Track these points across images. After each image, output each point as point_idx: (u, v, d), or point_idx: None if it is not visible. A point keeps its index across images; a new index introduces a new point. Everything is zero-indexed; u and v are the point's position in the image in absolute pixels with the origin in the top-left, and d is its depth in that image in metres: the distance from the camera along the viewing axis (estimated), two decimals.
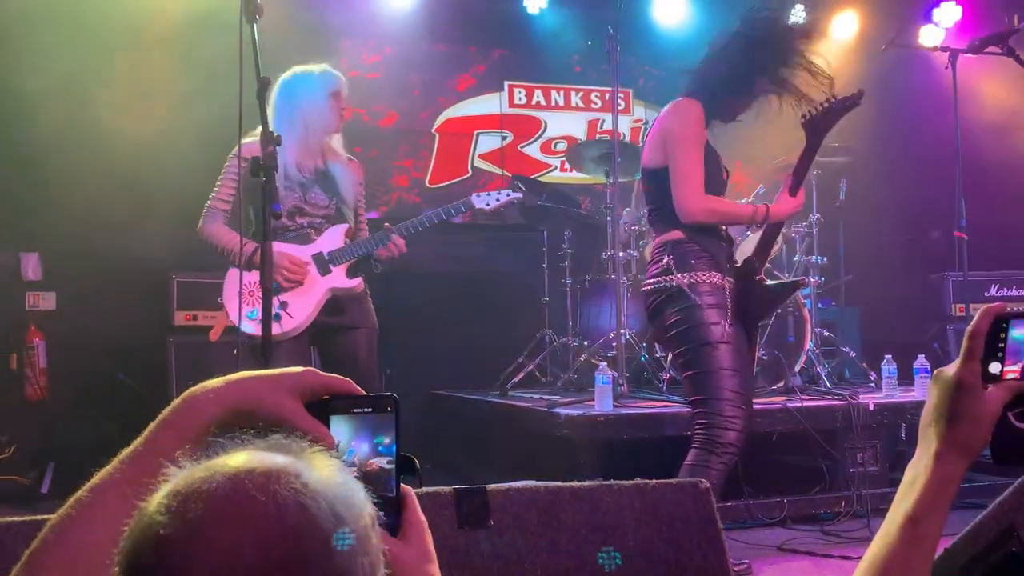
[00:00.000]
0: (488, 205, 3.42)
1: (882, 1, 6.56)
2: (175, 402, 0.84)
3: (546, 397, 4.67)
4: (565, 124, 6.77)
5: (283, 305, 3.09)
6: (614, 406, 3.99)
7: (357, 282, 3.22)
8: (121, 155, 4.84)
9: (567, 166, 6.34)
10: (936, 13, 6.53)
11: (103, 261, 4.91)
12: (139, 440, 0.82)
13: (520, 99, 6.72)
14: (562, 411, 3.93)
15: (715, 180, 2.95)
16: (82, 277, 4.98)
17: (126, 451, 0.82)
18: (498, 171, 6.58)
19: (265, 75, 2.30)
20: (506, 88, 6.66)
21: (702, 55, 3.05)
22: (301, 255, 3.15)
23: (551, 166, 6.72)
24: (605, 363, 4.13)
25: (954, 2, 6.46)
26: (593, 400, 4.03)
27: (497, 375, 5.26)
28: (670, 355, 3.19)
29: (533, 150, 6.74)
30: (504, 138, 6.63)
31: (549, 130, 6.75)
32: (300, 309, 3.13)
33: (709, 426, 2.78)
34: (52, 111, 4.79)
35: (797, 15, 6.68)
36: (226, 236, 3.14)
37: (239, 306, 2.91)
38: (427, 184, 6.47)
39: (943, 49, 4.64)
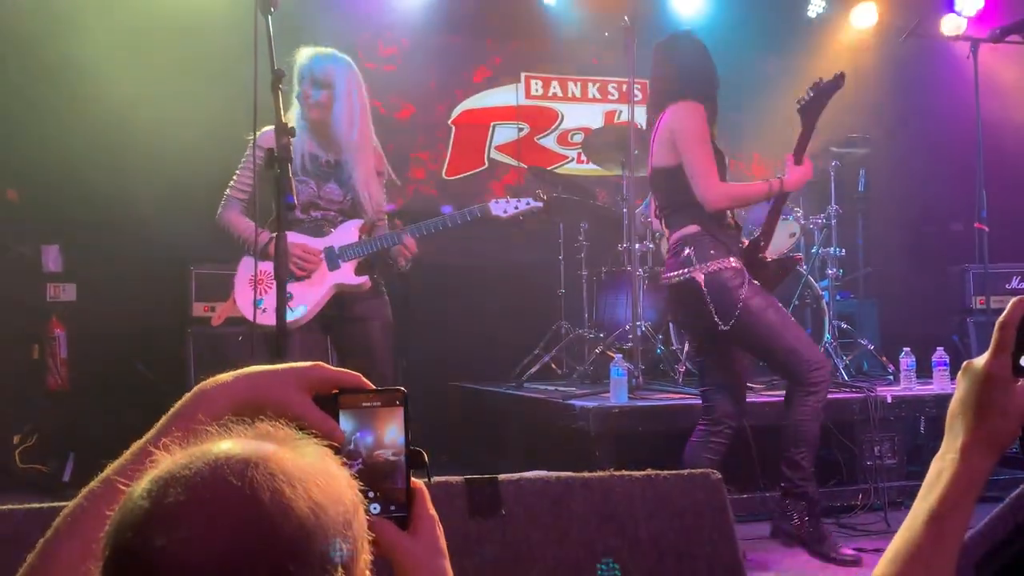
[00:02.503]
0: (505, 212, 3.38)
1: None
2: (186, 396, 0.85)
3: (562, 389, 4.68)
4: (582, 115, 6.75)
5: (288, 297, 3.10)
6: (629, 398, 3.99)
7: (363, 280, 3.20)
8: (140, 148, 4.88)
9: (583, 158, 6.32)
10: (958, 2, 6.44)
11: (122, 253, 4.96)
12: (151, 433, 0.84)
13: (537, 90, 6.70)
14: (577, 403, 3.93)
15: (722, 172, 3.23)
16: (102, 269, 5.03)
17: (138, 443, 0.84)
18: (514, 163, 6.57)
19: (279, 67, 2.31)
20: (523, 79, 6.64)
21: (666, 60, 3.35)
22: (314, 246, 3.17)
23: (568, 158, 6.71)
24: (620, 355, 4.12)
25: None
26: (608, 392, 4.03)
27: (513, 367, 5.27)
28: (691, 341, 3.44)
29: (550, 142, 6.73)
30: (520, 130, 6.62)
31: (566, 121, 6.73)
32: (304, 302, 3.13)
33: (799, 374, 3.10)
34: (71, 106, 4.84)
35: (817, 6, 6.64)
36: (241, 224, 3.16)
37: (253, 296, 2.94)
38: (443, 176, 6.47)
39: (964, 39, 4.60)
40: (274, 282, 3.01)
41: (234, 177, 3.23)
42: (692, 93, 3.19)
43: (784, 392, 3.28)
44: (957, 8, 6.44)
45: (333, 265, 3.17)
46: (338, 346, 3.30)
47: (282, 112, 2.29)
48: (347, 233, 3.19)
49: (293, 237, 3.03)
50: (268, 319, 3.00)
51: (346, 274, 3.16)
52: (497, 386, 5.14)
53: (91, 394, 4.91)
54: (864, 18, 6.62)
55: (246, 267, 3.17)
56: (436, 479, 1.52)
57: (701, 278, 3.09)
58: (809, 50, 6.53)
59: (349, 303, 3.20)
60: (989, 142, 4.84)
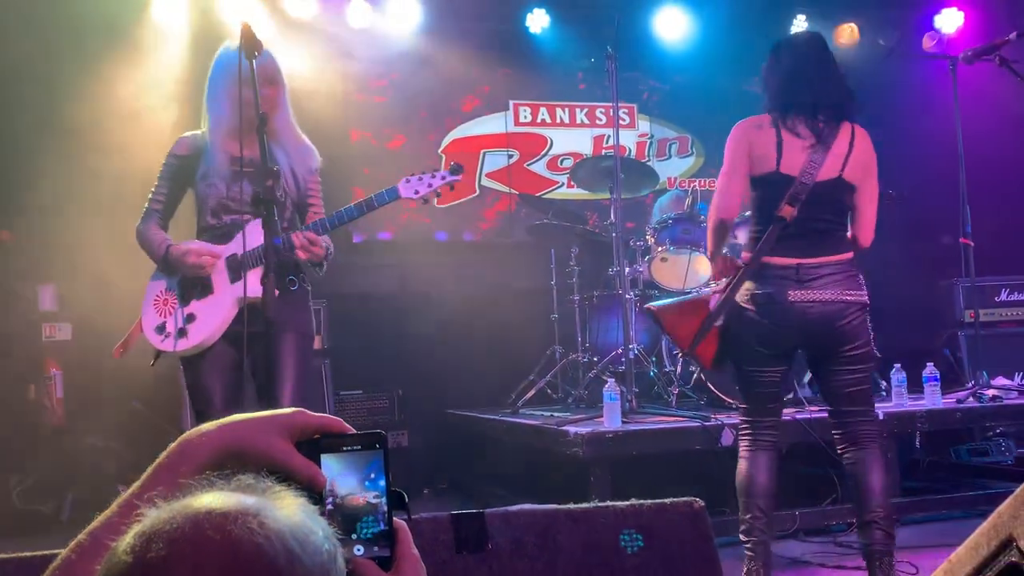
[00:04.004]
0: (418, 192, 2.96)
1: (884, 8, 6.58)
2: (171, 446, 0.87)
3: (557, 414, 4.69)
4: (571, 141, 6.82)
5: (189, 318, 2.86)
6: (623, 422, 4.00)
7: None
8: (132, 188, 4.91)
9: (573, 182, 6.38)
10: (938, 20, 6.54)
11: (117, 291, 4.98)
12: (136, 484, 0.85)
13: (525, 117, 6.77)
14: (571, 429, 3.94)
15: None
16: (97, 307, 5.05)
17: (124, 495, 0.85)
18: (505, 189, 6.63)
19: (264, 110, 2.35)
20: (511, 107, 6.72)
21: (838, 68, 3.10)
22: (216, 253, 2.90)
23: (558, 183, 6.77)
24: (613, 379, 4.14)
25: (955, 8, 6.48)
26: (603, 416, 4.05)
27: (509, 392, 5.29)
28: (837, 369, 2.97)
29: (540, 167, 6.79)
30: (510, 156, 6.68)
31: (555, 147, 6.80)
32: (207, 323, 2.85)
33: (879, 430, 3.04)
34: (66, 149, 4.90)
35: (799, 25, 6.73)
36: (154, 238, 2.95)
37: (156, 320, 2.77)
38: (435, 204, 6.52)
39: (943, 56, 4.66)
40: (176, 304, 2.87)
41: (152, 188, 3.04)
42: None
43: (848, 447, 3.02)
44: (937, 26, 6.54)
45: (235, 276, 2.83)
46: (253, 364, 2.85)
47: (266, 149, 2.32)
48: (253, 236, 2.76)
49: (199, 246, 2.87)
50: (170, 345, 2.85)
51: (250, 285, 2.75)
52: (493, 413, 5.15)
53: (88, 433, 4.92)
54: (846, 37, 6.70)
55: (152, 289, 2.96)
56: (423, 515, 1.54)
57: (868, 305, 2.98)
58: None
59: (262, 314, 2.69)
60: (975, 156, 4.90)
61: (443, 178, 2.94)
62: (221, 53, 2.90)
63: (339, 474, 0.88)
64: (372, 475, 0.88)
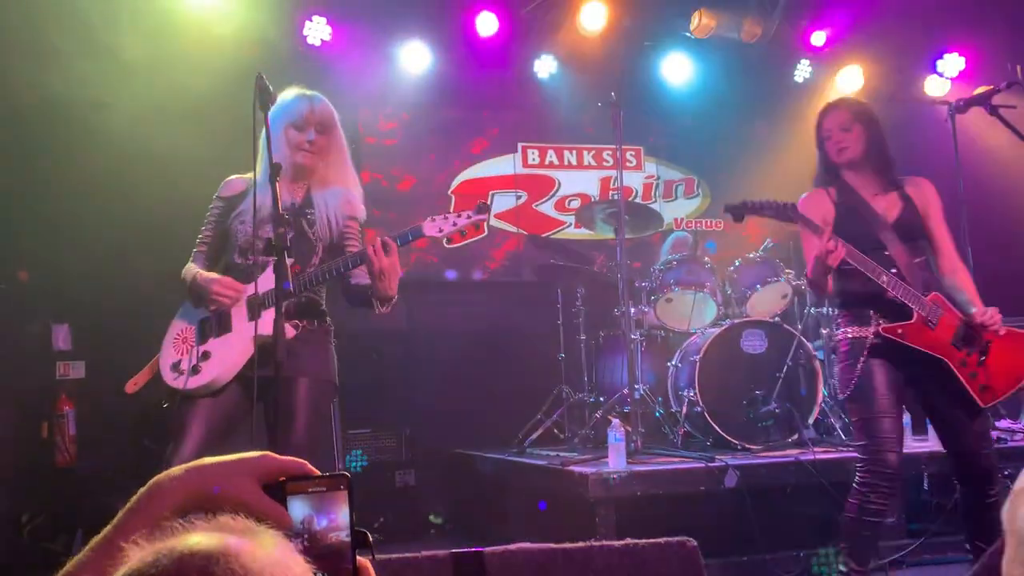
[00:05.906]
0: (441, 231, 3.02)
1: (886, 54, 6.68)
2: (141, 490, 0.91)
3: (563, 454, 4.71)
4: (578, 182, 6.92)
5: (204, 356, 2.85)
6: (628, 463, 4.03)
7: (285, 329, 2.65)
8: (147, 229, 5.02)
9: (580, 223, 6.46)
10: (940, 64, 6.64)
11: (130, 330, 5.05)
12: (108, 528, 0.90)
13: (533, 159, 6.88)
14: (576, 469, 3.97)
15: (862, 236, 3.20)
16: (110, 346, 5.12)
17: (96, 539, 0.89)
18: (514, 229, 6.72)
19: (277, 161, 2.43)
20: (519, 149, 6.83)
21: None
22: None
23: (566, 223, 6.85)
24: (617, 420, 4.17)
25: (957, 53, 6.58)
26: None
27: (516, 432, 5.31)
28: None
29: (547, 208, 6.88)
30: (519, 197, 6.78)
31: (563, 188, 6.90)
32: (221, 361, 2.83)
33: (858, 465, 3.21)
34: (81, 186, 5.00)
35: (803, 71, 6.85)
36: (186, 271, 3.01)
37: (173, 357, 2.80)
38: (444, 244, 6.59)
39: (942, 102, 4.75)
40: (194, 341, 2.90)
41: (200, 230, 3.14)
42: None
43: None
44: (939, 70, 6.64)
45: (253, 314, 2.79)
46: (265, 411, 2.81)
47: (278, 197, 2.40)
48: (271, 277, 2.69)
49: (229, 281, 2.90)
50: (182, 383, 2.86)
51: (266, 323, 2.67)
52: (500, 452, 5.18)
53: (100, 471, 4.96)
54: (849, 81, 6.81)
55: (173, 328, 3.02)
56: (423, 552, 1.59)
57: (832, 343, 3.24)
58: (796, 114, 6.71)
59: (273, 358, 2.54)
60: (977, 199, 4.95)
61: (468, 217, 3.01)
62: (279, 100, 2.95)
63: (305, 515, 0.91)
64: (337, 515, 0.92)
